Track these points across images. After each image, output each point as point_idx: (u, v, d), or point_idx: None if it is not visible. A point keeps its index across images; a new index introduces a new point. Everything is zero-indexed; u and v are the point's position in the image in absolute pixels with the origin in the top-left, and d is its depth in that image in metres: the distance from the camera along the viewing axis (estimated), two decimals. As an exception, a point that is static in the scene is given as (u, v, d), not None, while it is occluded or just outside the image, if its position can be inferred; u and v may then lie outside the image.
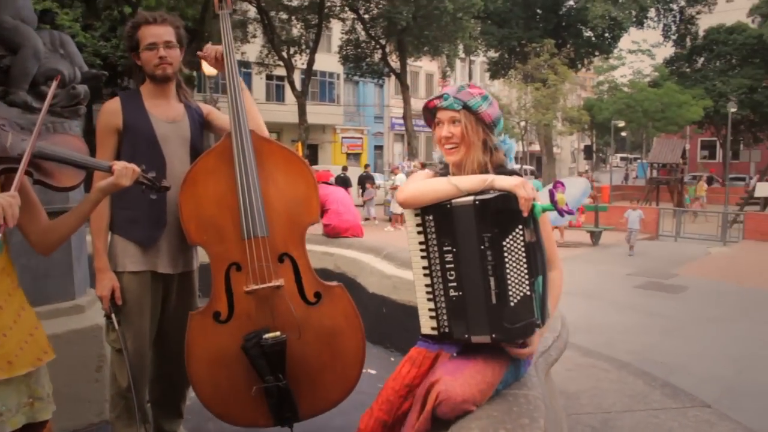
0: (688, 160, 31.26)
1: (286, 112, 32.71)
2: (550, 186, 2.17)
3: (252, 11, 27.81)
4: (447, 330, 2.19)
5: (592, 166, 50.67)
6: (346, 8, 28.04)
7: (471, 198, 2.10)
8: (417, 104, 34.69)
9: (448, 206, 2.14)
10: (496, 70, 39.05)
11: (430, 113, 2.36)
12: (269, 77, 34.45)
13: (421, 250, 2.24)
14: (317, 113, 33.91)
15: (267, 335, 2.74)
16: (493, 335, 2.10)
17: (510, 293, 2.08)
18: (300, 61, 28.83)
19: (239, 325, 2.80)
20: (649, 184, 29.93)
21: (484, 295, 2.10)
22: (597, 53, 37.81)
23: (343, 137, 40.50)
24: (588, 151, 56.09)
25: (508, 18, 35.55)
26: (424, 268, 2.23)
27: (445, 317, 2.20)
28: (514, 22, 35.68)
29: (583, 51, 36.37)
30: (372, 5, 27.33)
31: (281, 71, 30.25)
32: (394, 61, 29.96)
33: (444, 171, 2.35)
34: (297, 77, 29.05)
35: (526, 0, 36.25)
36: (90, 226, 2.83)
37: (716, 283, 10.71)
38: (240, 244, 2.81)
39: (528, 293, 2.09)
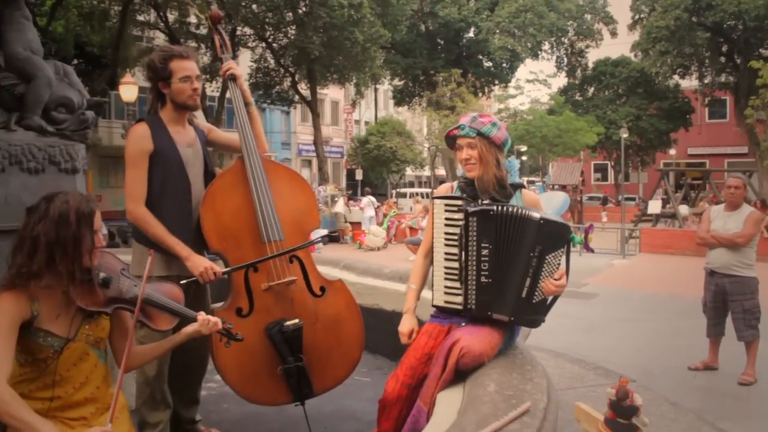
0: (585, 182, 33.20)
1: (196, 139, 32.45)
2: (586, 226, 2.92)
3: (159, 39, 27.73)
4: (473, 306, 2.77)
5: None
6: (256, 37, 28.39)
7: (537, 215, 2.71)
8: (325, 131, 35.34)
9: (492, 213, 2.75)
10: (401, 98, 40.34)
11: (450, 140, 2.95)
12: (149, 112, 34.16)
13: (450, 241, 2.83)
14: (226, 139, 33.78)
15: (287, 322, 3.21)
16: (511, 318, 2.77)
17: (535, 294, 2.74)
18: (210, 89, 28.86)
19: (259, 318, 3.25)
20: (551, 205, 31.67)
21: (517, 288, 2.73)
22: (497, 82, 39.76)
23: (251, 163, 40.37)
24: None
25: (412, 48, 36.85)
26: (450, 254, 2.83)
27: (473, 296, 2.78)
28: (418, 52, 37.03)
29: (484, 80, 38.13)
30: (281, 35, 27.81)
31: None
32: (303, 89, 30.46)
33: (465, 183, 2.96)
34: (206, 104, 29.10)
35: (429, 31, 37.81)
36: (153, 235, 3.12)
37: (622, 290, 11.83)
38: (255, 249, 3.27)
39: (547, 299, 2.76)
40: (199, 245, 3.32)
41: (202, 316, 2.52)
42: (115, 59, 21.61)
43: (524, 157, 41.88)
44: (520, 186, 2.99)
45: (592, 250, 17.47)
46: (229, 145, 3.56)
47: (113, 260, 2.43)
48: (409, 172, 44.44)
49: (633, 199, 38.93)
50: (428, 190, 38.82)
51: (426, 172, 44.75)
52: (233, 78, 3.44)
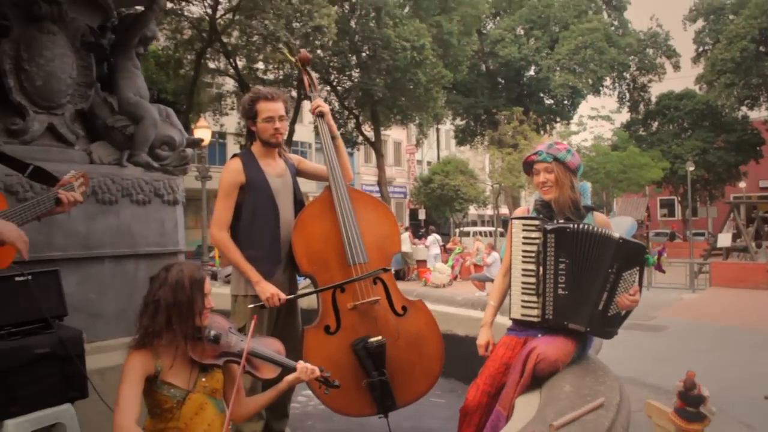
0: (651, 218, 32.66)
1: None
2: (659, 248, 3.15)
3: (229, 84, 28.83)
4: (550, 316, 3.01)
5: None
6: (321, 81, 29.18)
7: (617, 236, 2.96)
8: (388, 171, 35.81)
9: (568, 230, 3.01)
10: (463, 137, 40.55)
11: (528, 166, 3.22)
12: (243, 146, 35.16)
13: (528, 258, 3.08)
14: (292, 182, 34.56)
15: (372, 339, 3.47)
16: (587, 328, 3.00)
17: (611, 307, 2.97)
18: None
19: (346, 335, 3.53)
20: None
21: (595, 301, 2.97)
22: (558, 119, 39.66)
23: (316, 204, 41.13)
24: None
25: (473, 88, 37.14)
26: (527, 270, 3.07)
27: (551, 308, 3.02)
28: (480, 91, 37.29)
29: (545, 117, 38.08)
30: (345, 78, 28.51)
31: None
32: (366, 131, 31.04)
33: (541, 205, 3.22)
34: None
35: (490, 71, 38.09)
36: (230, 259, 3.51)
37: (692, 322, 11.67)
38: (342, 270, 3.56)
39: (621, 312, 2.99)
40: (292, 268, 3.65)
41: (301, 364, 2.77)
42: (189, 105, 22.66)
43: (589, 199, 41.31)
44: (592, 208, 3.22)
45: (663, 271, 18.16)
46: (317, 174, 3.89)
47: (221, 319, 2.75)
48: (472, 210, 44.47)
49: (702, 234, 38.00)
50: (491, 229, 38.74)
51: (489, 210, 44.67)
52: (321, 114, 3.79)
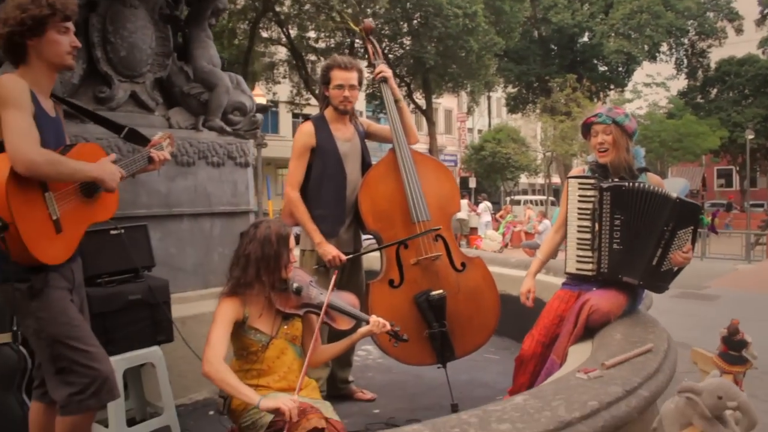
0: (707, 188, 32.00)
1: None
2: (714, 210, 3.31)
3: (281, 53, 29.15)
4: (605, 269, 3.20)
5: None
6: (372, 48, 29.18)
7: (674, 195, 3.12)
8: (439, 139, 35.78)
9: (624, 188, 3.19)
10: (515, 105, 40.11)
11: (585, 128, 3.39)
12: (295, 115, 35.60)
13: (584, 215, 3.27)
14: (342, 148, 34.89)
15: (433, 292, 3.70)
16: (640, 282, 3.19)
17: (664, 263, 3.15)
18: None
19: (408, 289, 3.77)
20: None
21: (649, 256, 3.15)
22: (612, 87, 38.89)
23: (366, 171, 41.46)
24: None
25: (525, 55, 36.66)
26: (583, 227, 3.27)
27: (606, 262, 3.21)
28: (532, 58, 36.79)
29: (599, 84, 37.42)
30: (397, 46, 28.52)
31: (307, 110, 31.57)
32: (417, 98, 31.07)
33: (596, 166, 3.39)
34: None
35: (543, 37, 37.46)
36: (298, 218, 3.76)
37: (746, 293, 11.57)
38: (405, 228, 3.79)
39: (673, 269, 3.16)
40: (356, 226, 3.90)
41: (373, 318, 2.98)
42: (244, 73, 23.02)
43: (642, 163, 40.57)
44: (646, 169, 3.38)
45: (716, 232, 18.77)
46: (384, 136, 4.10)
47: (303, 273, 3.01)
48: (523, 179, 44.26)
49: (761, 206, 37.08)
50: (542, 197, 38.48)
51: (540, 179, 44.33)
52: (384, 80, 3.99)
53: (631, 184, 3.18)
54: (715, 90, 41.57)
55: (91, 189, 2.56)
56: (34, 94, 2.40)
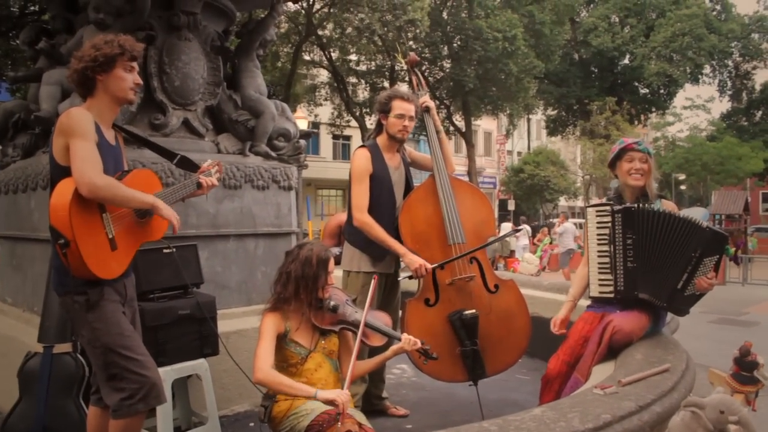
0: (750, 212, 31.42)
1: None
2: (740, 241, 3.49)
3: (323, 76, 29.64)
4: (621, 287, 3.35)
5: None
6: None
7: (705, 224, 3.28)
8: (478, 161, 35.87)
9: (633, 209, 3.36)
10: (555, 127, 39.95)
11: (622, 151, 3.54)
12: (335, 137, 36.02)
13: (602, 240, 3.44)
14: (381, 170, 35.14)
15: (466, 312, 3.87)
16: (664, 304, 3.33)
17: (688, 287, 3.28)
18: (369, 122, 30.29)
19: (443, 308, 3.94)
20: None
21: (675, 279, 3.28)
22: (653, 109, 38.51)
23: (405, 193, 41.64)
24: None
25: (565, 77, 36.51)
26: (602, 251, 3.43)
27: (621, 279, 3.36)
28: (572, 81, 36.62)
29: (640, 107, 37.09)
30: (437, 69, 28.77)
31: (347, 132, 32.01)
32: (457, 121, 31.25)
33: (615, 197, 3.61)
34: (358, 137, 30.51)
35: (583, 60, 37.33)
36: (376, 237, 3.91)
37: (786, 320, 11.43)
38: (442, 250, 3.96)
39: (696, 293, 3.29)
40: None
41: (405, 336, 3.16)
42: (286, 96, 23.51)
43: (683, 186, 40.19)
44: (661, 196, 3.57)
45: (738, 263, 19.11)
46: (424, 164, 4.32)
47: (340, 293, 3.22)
48: (562, 201, 43.97)
49: (807, 230, 36.20)
50: (581, 221, 38.12)
51: (579, 202, 44.02)
52: (427, 109, 4.20)
53: (640, 205, 3.36)
54: (760, 112, 40.87)
55: (143, 211, 2.79)
56: (97, 125, 2.68)
